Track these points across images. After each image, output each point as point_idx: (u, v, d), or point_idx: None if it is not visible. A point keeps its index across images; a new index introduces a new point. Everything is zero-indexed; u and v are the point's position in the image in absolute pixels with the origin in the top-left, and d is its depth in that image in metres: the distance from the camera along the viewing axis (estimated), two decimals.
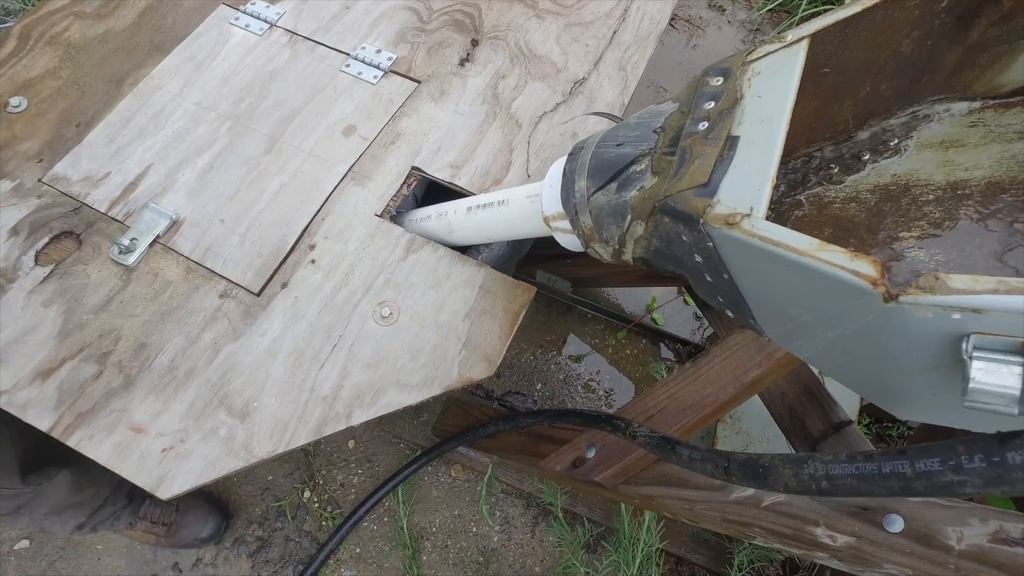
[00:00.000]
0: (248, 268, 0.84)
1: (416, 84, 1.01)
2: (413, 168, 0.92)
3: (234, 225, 0.88)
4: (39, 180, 0.91)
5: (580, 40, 1.07)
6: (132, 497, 1.32)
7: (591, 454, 0.97)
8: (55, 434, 0.73)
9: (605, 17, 1.11)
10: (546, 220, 0.68)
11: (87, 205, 0.89)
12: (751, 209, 0.46)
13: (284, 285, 0.83)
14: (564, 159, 0.66)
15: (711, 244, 0.49)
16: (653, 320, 1.66)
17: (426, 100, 0.99)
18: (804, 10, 2.11)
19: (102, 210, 0.89)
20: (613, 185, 0.58)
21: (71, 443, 0.73)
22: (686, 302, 1.69)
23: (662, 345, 1.65)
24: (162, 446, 0.73)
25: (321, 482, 1.40)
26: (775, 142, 0.49)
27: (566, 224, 0.66)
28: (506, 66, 1.03)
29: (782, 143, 0.49)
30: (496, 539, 1.36)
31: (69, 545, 1.34)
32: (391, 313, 0.80)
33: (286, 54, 1.05)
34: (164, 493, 0.71)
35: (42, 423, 0.74)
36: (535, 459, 1.07)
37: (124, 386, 0.77)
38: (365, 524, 1.36)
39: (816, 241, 0.41)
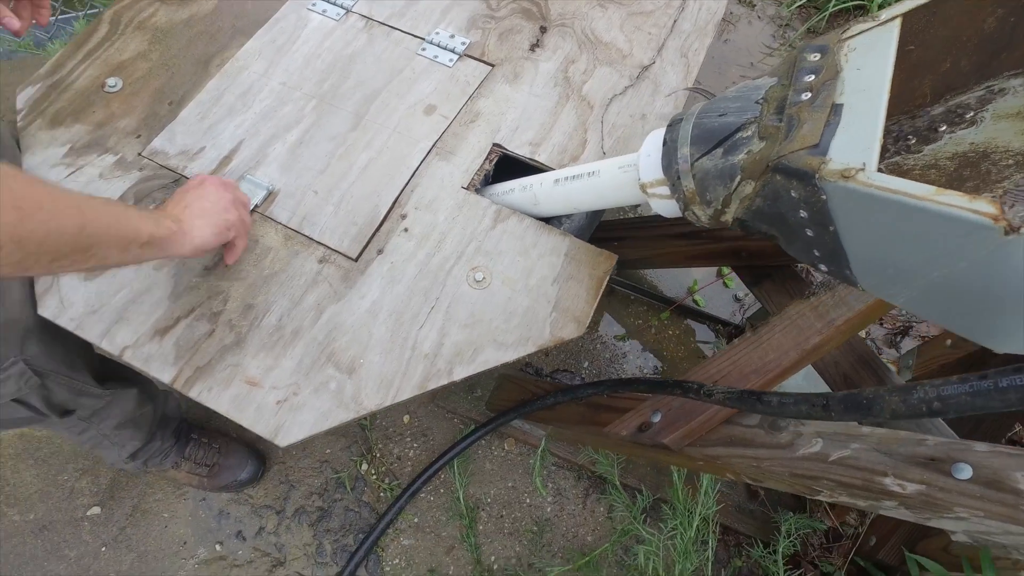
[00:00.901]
0: (344, 236, 0.90)
1: (490, 67, 1.06)
2: (494, 145, 0.97)
3: (327, 196, 0.93)
4: (139, 154, 0.96)
5: (642, 28, 1.13)
6: (179, 437, 1.35)
7: (656, 419, 1.02)
8: (177, 387, 0.79)
9: (665, 7, 1.16)
10: (643, 187, 0.73)
11: (186, 177, 0.95)
12: (864, 164, 0.51)
13: (380, 251, 0.88)
14: (661, 131, 0.71)
15: (823, 197, 0.54)
16: (695, 302, 1.71)
17: (501, 82, 1.05)
18: (834, 6, 2.16)
19: None
20: (719, 151, 0.63)
21: (192, 395, 0.79)
22: (726, 284, 1.74)
23: (703, 326, 1.70)
24: (276, 398, 0.79)
25: (378, 455, 1.45)
26: (879, 106, 0.54)
27: (664, 190, 0.71)
28: (574, 52, 1.08)
29: (885, 108, 0.55)
30: (549, 509, 1.42)
31: (137, 512, 1.40)
32: (484, 278, 0.85)
33: (363, 38, 1.10)
34: (282, 441, 0.76)
35: (165, 376, 0.79)
36: (596, 428, 1.12)
37: (236, 343, 0.82)
38: (422, 495, 1.41)
39: (933, 187, 0.46)
